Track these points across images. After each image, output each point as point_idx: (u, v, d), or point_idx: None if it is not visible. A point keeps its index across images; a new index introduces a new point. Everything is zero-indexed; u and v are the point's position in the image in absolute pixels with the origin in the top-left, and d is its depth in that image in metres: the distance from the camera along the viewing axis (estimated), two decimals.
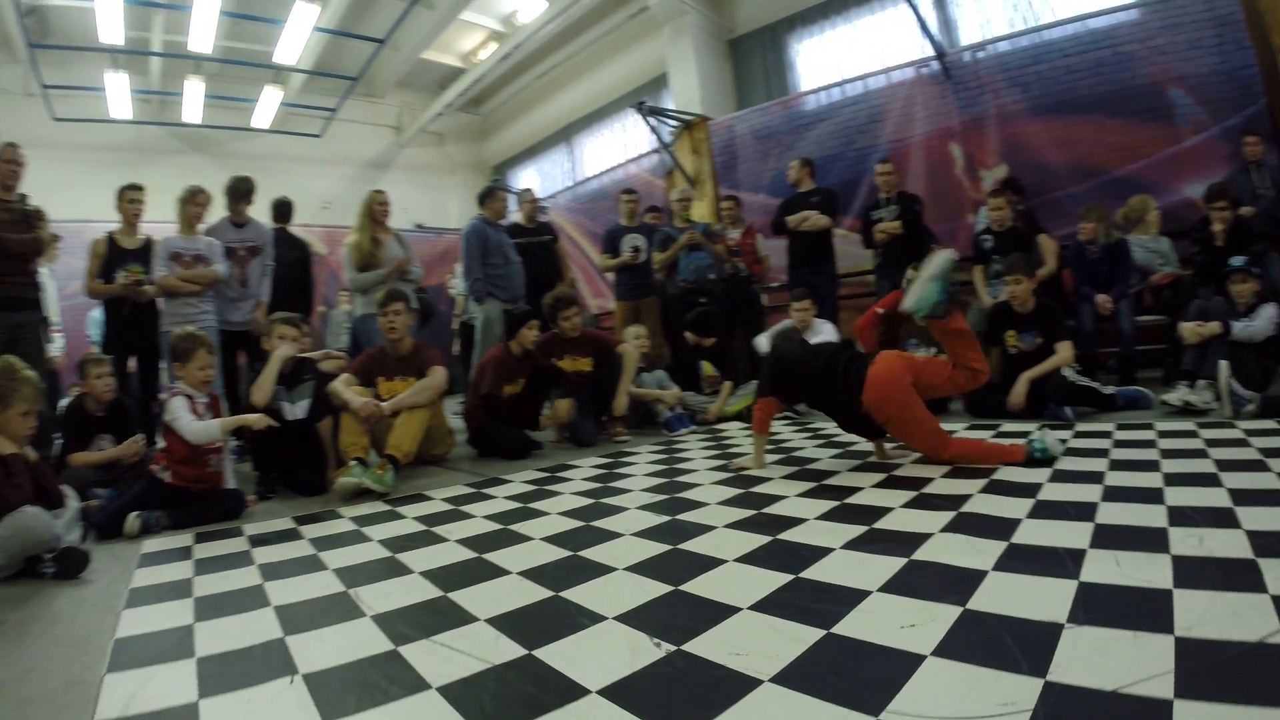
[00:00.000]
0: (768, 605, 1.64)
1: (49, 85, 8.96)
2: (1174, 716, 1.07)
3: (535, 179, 13.22)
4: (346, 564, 2.30)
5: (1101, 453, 2.99)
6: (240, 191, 5.33)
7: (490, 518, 2.81)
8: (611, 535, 2.41)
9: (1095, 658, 1.26)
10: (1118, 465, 2.74)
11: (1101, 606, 1.46)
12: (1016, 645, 1.33)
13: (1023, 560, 1.79)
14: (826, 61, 8.80)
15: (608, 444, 4.61)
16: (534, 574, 2.04)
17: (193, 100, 10.13)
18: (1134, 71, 6.10)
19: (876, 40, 8.28)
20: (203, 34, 8.43)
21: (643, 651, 1.45)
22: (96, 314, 6.00)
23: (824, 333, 5.43)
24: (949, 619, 1.48)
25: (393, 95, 12.48)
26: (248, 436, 3.73)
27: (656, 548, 2.20)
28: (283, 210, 5.93)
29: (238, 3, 8.81)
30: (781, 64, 9.29)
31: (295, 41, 8.88)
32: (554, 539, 2.41)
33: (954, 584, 1.66)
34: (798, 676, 1.29)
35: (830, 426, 4.17)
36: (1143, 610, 1.43)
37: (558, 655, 1.47)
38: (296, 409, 3.85)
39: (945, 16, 7.75)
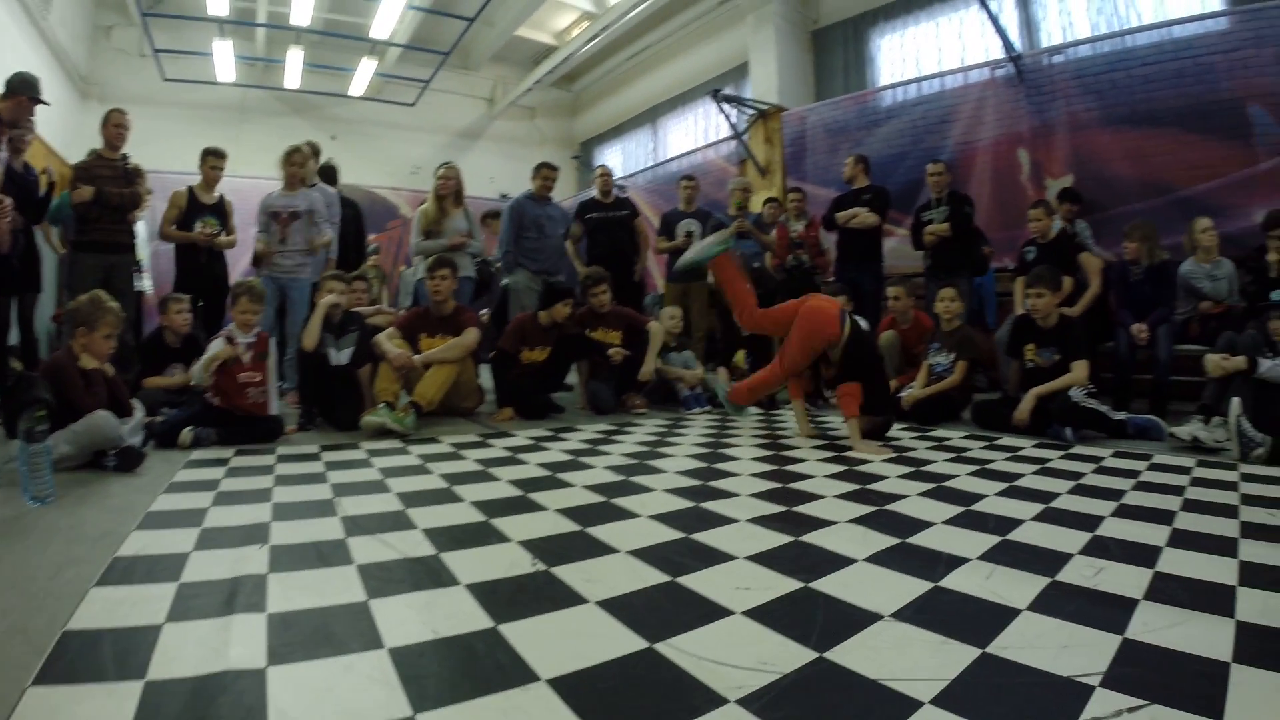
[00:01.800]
0: (643, 553, 1.93)
1: (160, 49, 9.86)
2: (913, 717, 1.13)
3: (619, 158, 13.64)
4: (344, 481, 2.83)
5: (1074, 476, 3.00)
6: (311, 153, 5.94)
7: (480, 461, 3.27)
8: (565, 485, 2.78)
9: (885, 649, 1.36)
10: (1080, 490, 2.75)
11: (935, 610, 1.54)
12: (824, 624, 1.47)
13: (900, 558, 1.91)
14: (906, 58, 8.76)
15: (624, 414, 4.98)
16: (482, 504, 2.45)
17: (293, 67, 10.80)
18: (1215, 85, 5.81)
19: (957, 39, 8.19)
20: (304, 6, 9.13)
21: (518, 566, 1.80)
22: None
23: None
24: (783, 590, 1.66)
25: (487, 69, 12.98)
26: (300, 375, 4.39)
27: (593, 498, 2.56)
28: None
29: None
30: (861, 58, 9.29)
31: (390, 16, 9.47)
32: (517, 482, 2.81)
33: (816, 565, 1.83)
34: (618, 604, 1.57)
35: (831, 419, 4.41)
36: (973, 623, 1.47)
37: (456, 560, 1.86)
38: (341, 355, 4.42)
39: (1028, 16, 7.59)
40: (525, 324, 5.05)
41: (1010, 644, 1.38)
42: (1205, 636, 1.42)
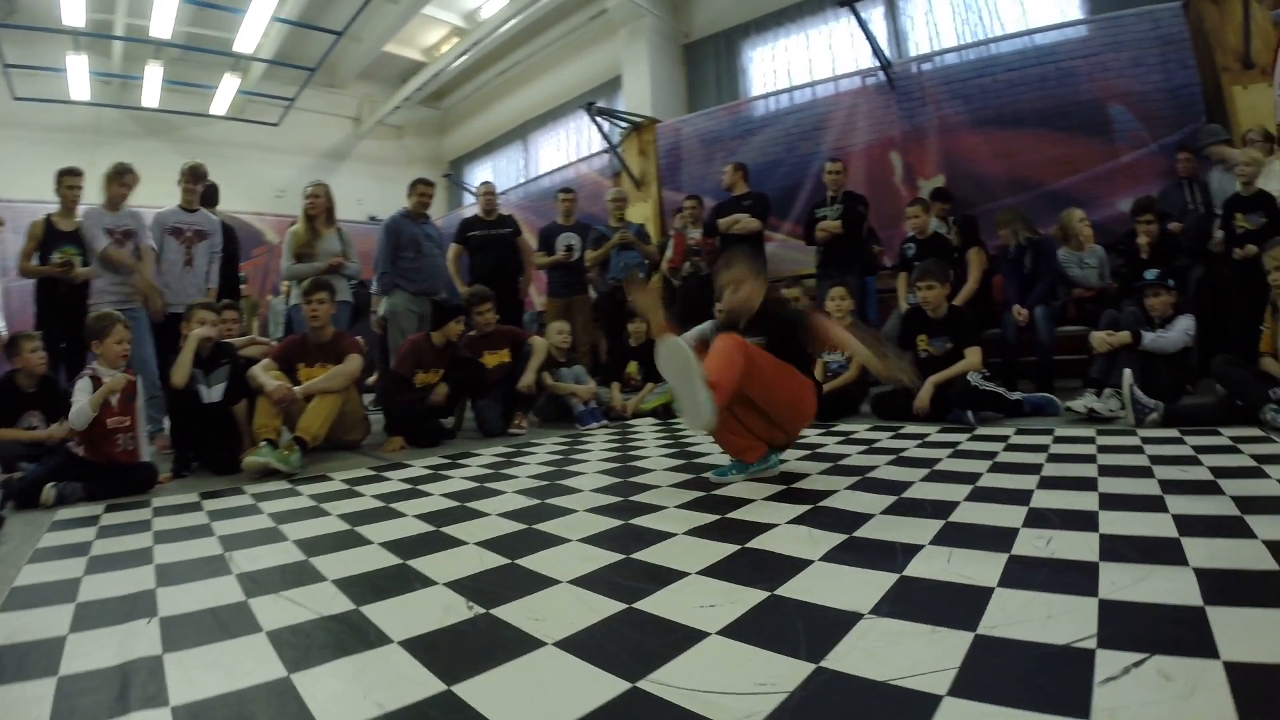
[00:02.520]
0: (587, 581, 1.74)
1: (10, 64, 9.06)
2: (938, 712, 1.05)
3: (489, 175, 13.29)
4: (233, 532, 2.48)
5: (988, 455, 3.07)
6: (194, 177, 5.39)
7: (379, 496, 2.98)
8: (478, 514, 2.54)
9: (880, 648, 1.28)
10: (998, 467, 2.81)
11: (911, 600, 1.49)
12: (805, 632, 1.36)
13: (854, 553, 1.84)
14: (778, 68, 8.97)
15: (513, 435, 4.77)
16: (393, 545, 2.18)
17: (152, 85, 10.15)
18: (1077, 87, 6.24)
19: (828, 49, 8.46)
20: (164, 19, 8.56)
21: (454, 612, 1.57)
22: None
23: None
24: (750, 602, 1.53)
25: (353, 86, 12.51)
26: (170, 416, 3.94)
27: (513, 526, 2.34)
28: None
29: None
30: (734, 69, 9.46)
31: (255, 30, 8.98)
32: (425, 517, 2.55)
33: (774, 571, 1.72)
34: (579, 643, 1.38)
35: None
36: (953, 607, 1.43)
37: (380, 613, 1.60)
38: (213, 392, 3.99)
39: (896, 28, 7.94)
40: (419, 345, 4.76)
41: (998, 622, 1.35)
42: (1171, 586, 1.46)
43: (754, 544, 1.97)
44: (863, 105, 7.39)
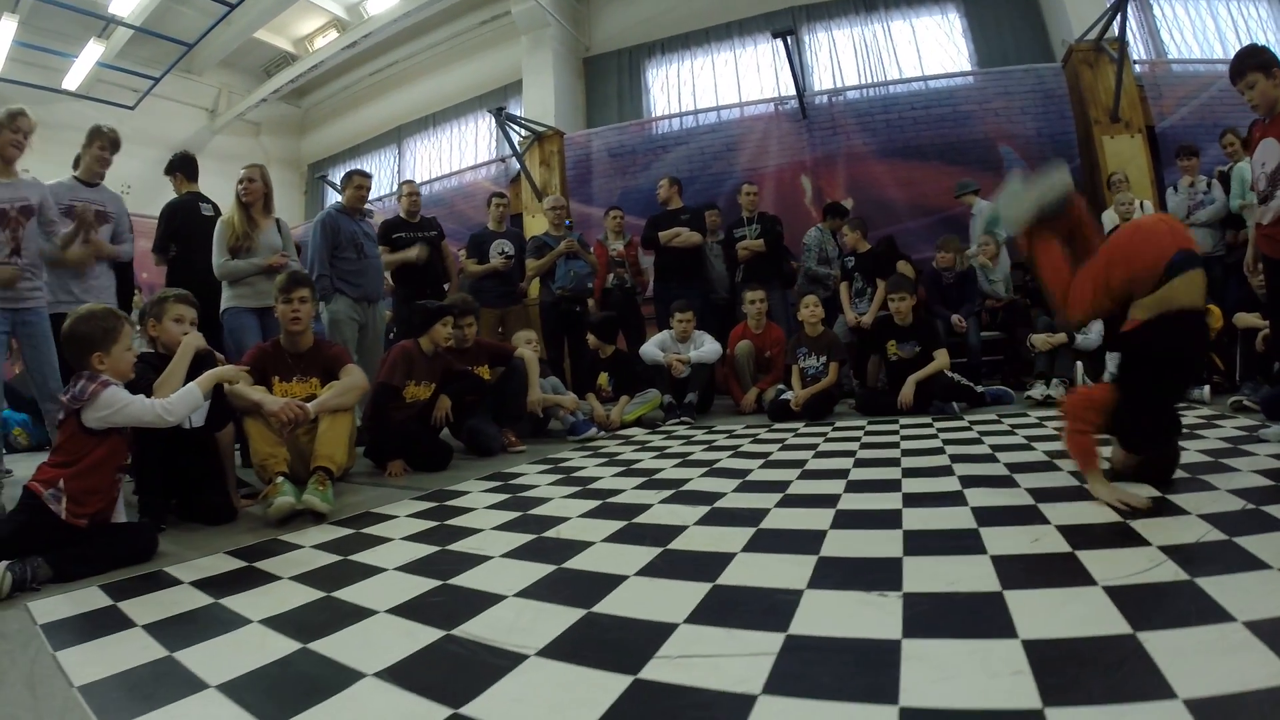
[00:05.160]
0: None
1: None
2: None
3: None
4: (397, 600, 1.66)
5: (1009, 434, 3.50)
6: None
7: (501, 528, 2.36)
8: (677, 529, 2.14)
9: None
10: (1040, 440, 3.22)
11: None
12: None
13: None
14: (683, 89, 8.93)
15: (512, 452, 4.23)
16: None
17: (1, 43, 8.19)
18: (971, 127, 6.85)
19: (733, 75, 8.55)
20: None
21: None
22: None
23: (705, 343, 5.44)
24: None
25: (212, 74, 10.78)
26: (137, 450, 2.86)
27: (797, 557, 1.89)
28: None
29: None
30: (637, 87, 9.28)
31: None
32: (613, 537, 2.13)
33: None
34: None
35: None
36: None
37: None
38: (193, 416, 2.92)
39: (801, 61, 8.12)
40: (411, 353, 3.99)
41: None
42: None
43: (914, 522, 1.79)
44: (775, 130, 7.55)
